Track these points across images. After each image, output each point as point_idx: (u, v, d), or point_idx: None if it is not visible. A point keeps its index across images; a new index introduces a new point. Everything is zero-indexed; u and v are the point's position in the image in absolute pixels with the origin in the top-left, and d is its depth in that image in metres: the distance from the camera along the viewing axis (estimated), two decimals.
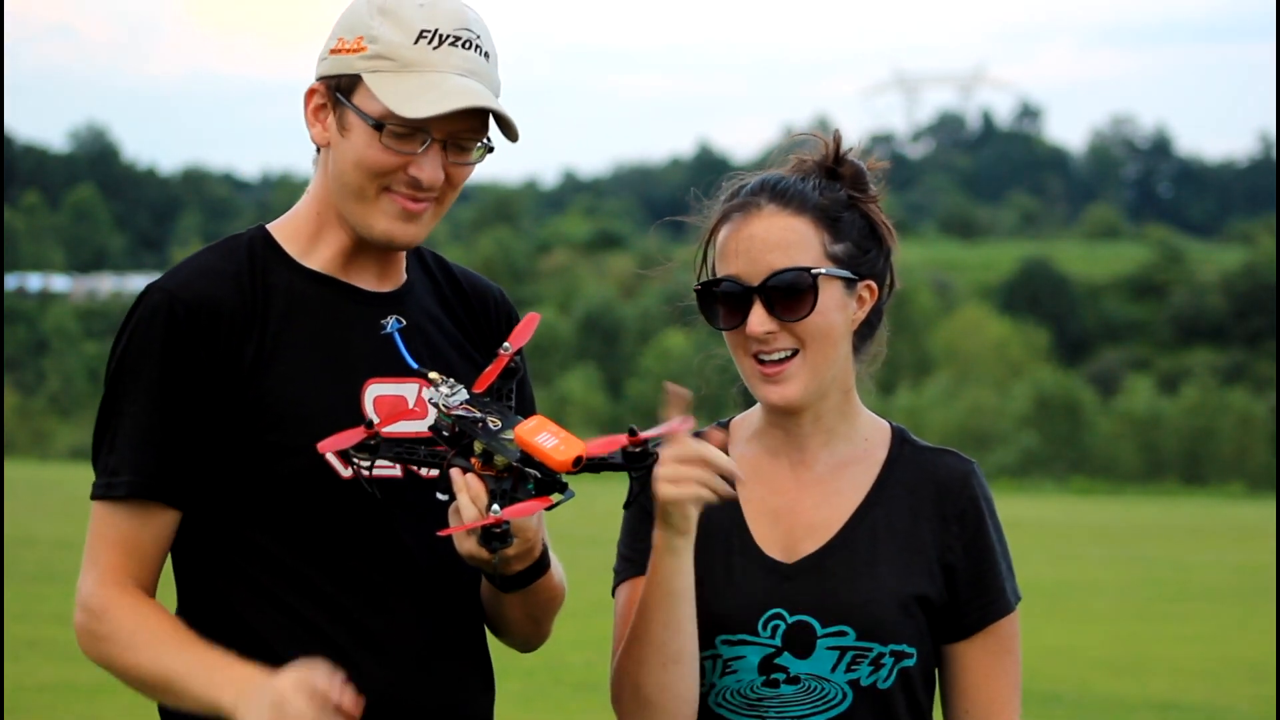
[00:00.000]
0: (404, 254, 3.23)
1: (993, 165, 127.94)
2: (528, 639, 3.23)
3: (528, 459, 2.86)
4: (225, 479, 3.08)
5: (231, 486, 3.08)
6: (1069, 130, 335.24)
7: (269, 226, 3.20)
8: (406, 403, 3.09)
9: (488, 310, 3.28)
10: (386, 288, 3.19)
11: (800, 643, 3.12)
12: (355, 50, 3.07)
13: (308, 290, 3.14)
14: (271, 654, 3.03)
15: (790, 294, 3.11)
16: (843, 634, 3.11)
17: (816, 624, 3.12)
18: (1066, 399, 56.15)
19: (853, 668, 3.11)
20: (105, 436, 3.09)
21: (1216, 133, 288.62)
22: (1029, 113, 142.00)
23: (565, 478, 2.88)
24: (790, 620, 3.12)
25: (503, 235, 79.58)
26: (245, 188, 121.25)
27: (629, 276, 74.68)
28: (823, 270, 3.13)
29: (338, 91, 3.09)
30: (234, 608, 3.09)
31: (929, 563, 3.15)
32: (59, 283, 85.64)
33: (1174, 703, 13.69)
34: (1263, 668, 15.32)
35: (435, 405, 2.96)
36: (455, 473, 2.91)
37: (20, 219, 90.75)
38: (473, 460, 2.91)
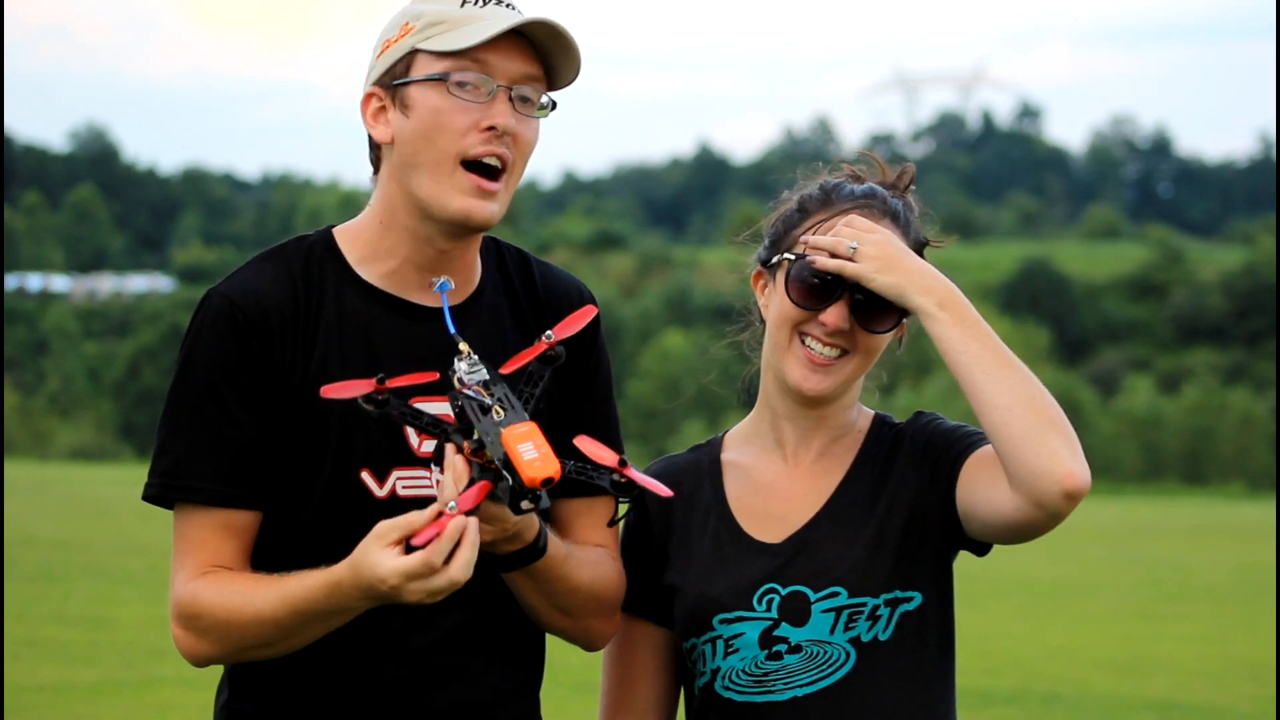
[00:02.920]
0: (475, 263, 3.20)
1: (993, 165, 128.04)
2: (570, 635, 3.21)
3: (509, 462, 2.85)
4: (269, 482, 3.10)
5: (271, 490, 3.10)
6: (1069, 130, 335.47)
7: (335, 230, 3.20)
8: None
9: (561, 314, 3.19)
10: (449, 301, 3.13)
11: (796, 611, 3.16)
12: (404, 34, 3.10)
13: (359, 304, 3.13)
14: (291, 654, 3.06)
15: (882, 308, 3.16)
16: (835, 595, 3.16)
17: (809, 591, 3.16)
18: (1067, 399, 56.07)
19: (850, 625, 3.15)
20: (173, 439, 3.09)
21: (1216, 133, 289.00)
22: (1029, 113, 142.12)
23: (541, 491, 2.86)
24: (784, 592, 3.17)
25: (503, 235, 79.15)
26: (245, 188, 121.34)
27: (629, 276, 74.72)
28: None
29: (394, 81, 3.10)
30: None
31: (907, 510, 3.19)
32: (59, 283, 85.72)
33: (1174, 703, 13.69)
34: (1263, 668, 15.33)
35: (453, 377, 2.93)
36: (449, 448, 2.90)
37: (20, 219, 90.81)
38: (466, 444, 2.90)
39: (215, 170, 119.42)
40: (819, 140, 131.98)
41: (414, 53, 3.08)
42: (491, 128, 3.05)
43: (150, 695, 12.57)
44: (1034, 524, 3.02)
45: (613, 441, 3.20)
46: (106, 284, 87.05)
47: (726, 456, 3.31)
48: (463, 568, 2.81)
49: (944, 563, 3.21)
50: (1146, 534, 33.25)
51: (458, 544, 2.83)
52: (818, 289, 3.16)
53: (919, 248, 3.26)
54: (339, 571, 2.91)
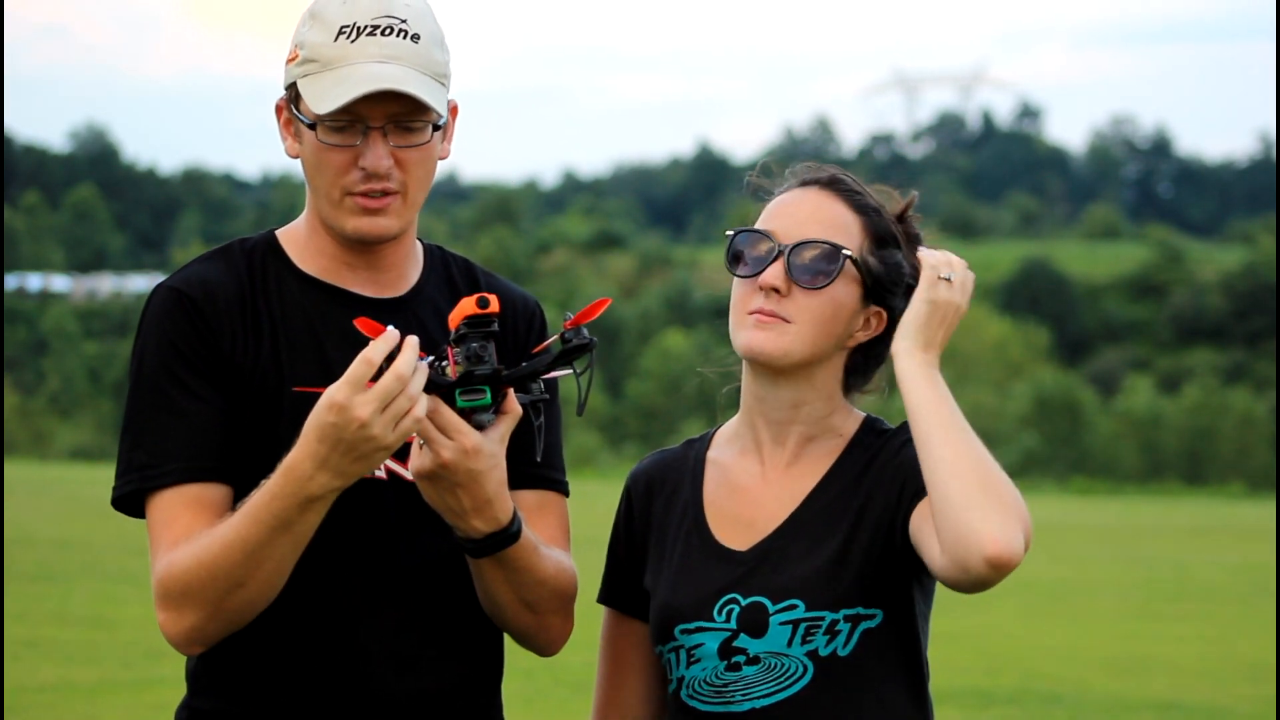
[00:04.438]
0: (412, 259, 3.26)
1: (993, 165, 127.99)
2: (531, 632, 3.21)
3: (463, 381, 2.94)
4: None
5: (236, 466, 3.12)
6: (1069, 130, 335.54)
7: (277, 231, 3.27)
8: None
9: (503, 319, 3.25)
10: (387, 293, 3.22)
11: (754, 623, 3.15)
12: (292, 60, 3.16)
13: (301, 294, 3.19)
14: (249, 638, 3.09)
15: (816, 262, 3.17)
16: (793, 607, 3.14)
17: (768, 602, 3.15)
18: (1066, 399, 56.19)
19: (808, 639, 3.13)
20: (136, 431, 3.11)
21: (1216, 133, 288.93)
22: (1029, 113, 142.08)
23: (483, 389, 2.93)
24: (744, 603, 3.16)
25: (503, 235, 79.62)
26: (245, 188, 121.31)
27: (629, 276, 74.72)
28: (852, 255, 3.19)
29: (290, 104, 3.17)
30: None
31: (877, 528, 3.16)
32: (59, 283, 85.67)
33: (1174, 703, 13.69)
34: (1263, 668, 15.32)
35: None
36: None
37: (20, 219, 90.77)
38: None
39: (215, 170, 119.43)
40: (819, 140, 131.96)
41: (296, 84, 3.14)
42: (365, 170, 3.10)
43: (150, 695, 12.56)
44: (959, 586, 3.01)
45: (553, 443, 3.25)
46: (106, 284, 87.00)
47: (712, 454, 3.30)
48: (407, 364, 2.87)
49: (909, 583, 3.18)
50: (1146, 534, 33.23)
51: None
52: (756, 258, 3.19)
53: (886, 236, 3.24)
54: (289, 454, 2.94)
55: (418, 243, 3.29)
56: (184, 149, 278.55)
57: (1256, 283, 71.98)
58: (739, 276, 3.21)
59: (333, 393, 2.89)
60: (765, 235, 3.20)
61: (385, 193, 3.12)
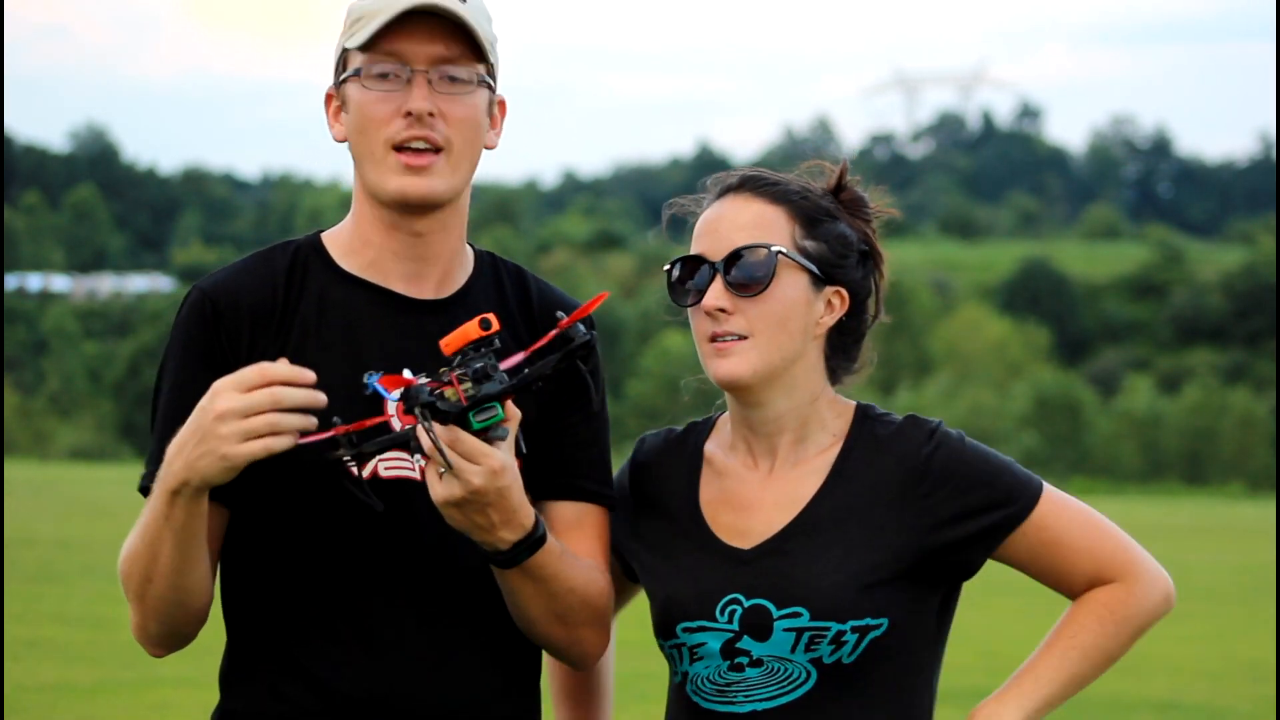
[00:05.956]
0: (461, 261, 3.21)
1: (993, 165, 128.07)
2: (563, 646, 3.19)
3: (475, 404, 2.92)
4: (241, 473, 3.08)
5: (245, 480, 3.08)
6: (1069, 130, 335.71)
7: (323, 233, 3.24)
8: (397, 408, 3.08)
9: (550, 325, 3.19)
10: (431, 294, 3.17)
11: (757, 626, 3.11)
12: (341, 33, 3.15)
13: (341, 293, 3.15)
14: (271, 641, 3.09)
15: (749, 269, 3.13)
16: (797, 615, 3.10)
17: (772, 607, 3.11)
18: (1066, 399, 56.22)
19: (812, 647, 3.10)
20: (155, 429, 3.15)
21: (1216, 133, 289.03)
22: (1029, 113, 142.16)
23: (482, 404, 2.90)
24: (747, 604, 3.12)
25: (503, 235, 79.68)
26: (245, 188, 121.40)
27: (629, 276, 74.73)
28: (783, 250, 3.14)
29: (337, 81, 3.16)
30: (238, 591, 3.12)
31: (892, 540, 3.12)
32: (59, 283, 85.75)
33: (1174, 703, 13.70)
34: (1263, 668, 15.33)
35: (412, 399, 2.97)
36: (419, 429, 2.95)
37: (20, 219, 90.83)
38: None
39: (215, 170, 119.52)
40: (819, 140, 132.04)
41: (345, 51, 3.13)
42: (410, 114, 3.08)
43: (150, 695, 12.57)
44: None
45: (599, 456, 3.21)
46: (106, 284, 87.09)
47: (709, 446, 3.25)
48: (292, 396, 2.87)
49: (924, 594, 3.16)
50: (1146, 534, 33.02)
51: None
52: (695, 283, 3.17)
53: (819, 214, 3.19)
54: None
55: (468, 246, 3.23)
56: (184, 149, 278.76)
57: (1256, 283, 72.01)
58: (686, 306, 3.18)
59: (220, 380, 2.90)
60: (697, 259, 3.18)
61: (430, 148, 3.09)
